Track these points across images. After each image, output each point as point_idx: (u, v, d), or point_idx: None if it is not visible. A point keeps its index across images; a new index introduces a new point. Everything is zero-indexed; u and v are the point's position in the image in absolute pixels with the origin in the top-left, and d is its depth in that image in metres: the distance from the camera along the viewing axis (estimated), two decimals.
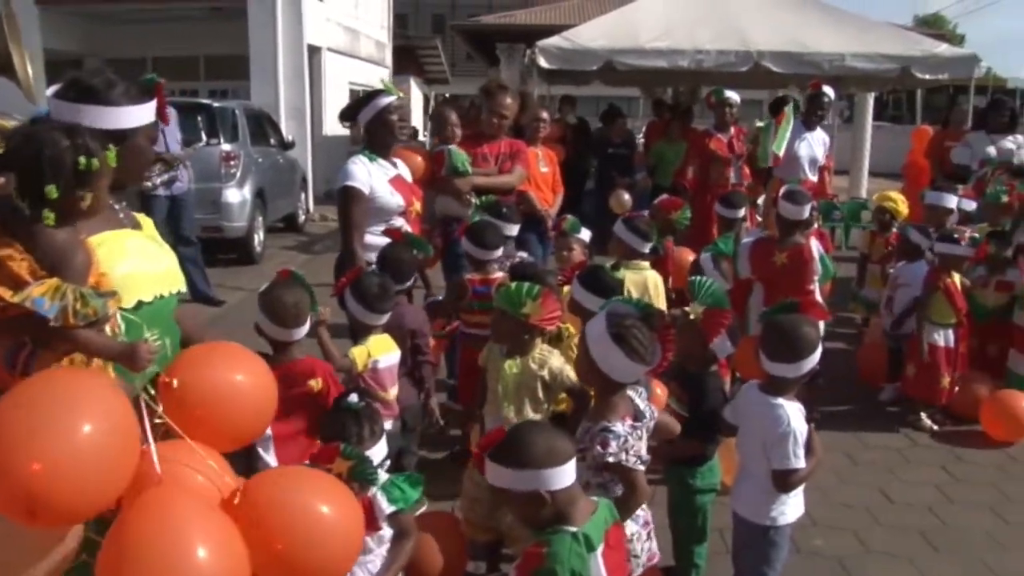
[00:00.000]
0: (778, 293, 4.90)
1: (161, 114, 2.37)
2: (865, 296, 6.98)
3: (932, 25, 32.60)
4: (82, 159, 2.00)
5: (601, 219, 7.97)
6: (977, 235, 5.56)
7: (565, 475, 2.05)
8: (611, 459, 2.56)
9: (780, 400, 2.91)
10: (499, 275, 4.32)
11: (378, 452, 2.77)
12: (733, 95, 7.46)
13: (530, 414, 3.24)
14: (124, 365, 2.06)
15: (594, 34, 10.03)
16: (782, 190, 5.19)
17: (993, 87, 25.25)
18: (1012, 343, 5.52)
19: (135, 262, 2.22)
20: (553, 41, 9.87)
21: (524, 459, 2.03)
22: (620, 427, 2.61)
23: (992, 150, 7.82)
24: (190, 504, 1.77)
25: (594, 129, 12.88)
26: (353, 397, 2.82)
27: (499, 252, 4.38)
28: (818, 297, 5.00)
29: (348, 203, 4.23)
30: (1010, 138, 7.99)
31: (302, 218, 13.43)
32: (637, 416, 2.71)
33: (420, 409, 3.93)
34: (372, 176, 4.29)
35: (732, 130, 7.31)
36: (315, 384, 3.12)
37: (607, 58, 9.74)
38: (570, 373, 3.22)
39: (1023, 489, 4.60)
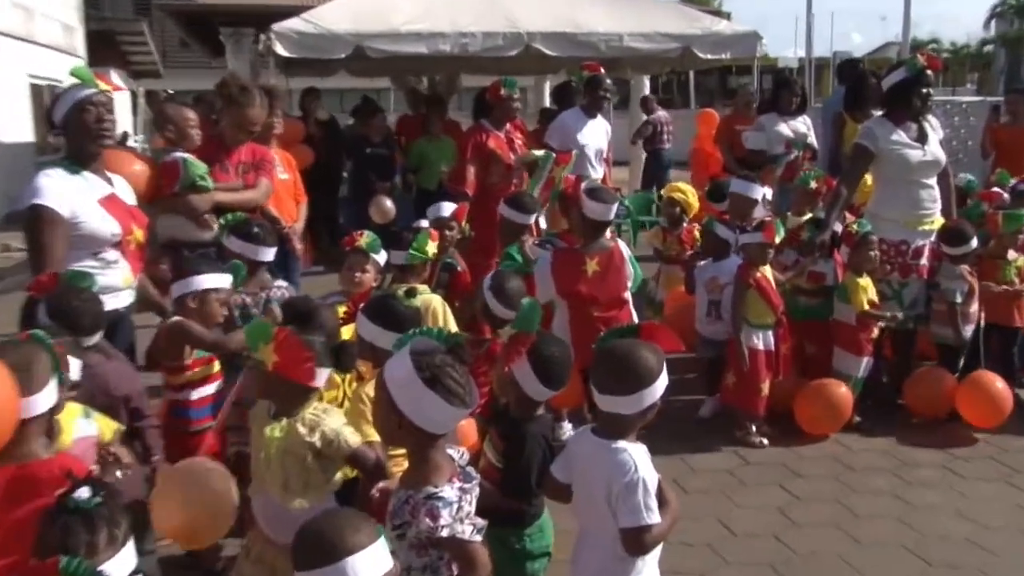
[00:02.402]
0: (592, 307, 4.88)
1: None
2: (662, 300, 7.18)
3: (699, 1, 34.95)
4: None
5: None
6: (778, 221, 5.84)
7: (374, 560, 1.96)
8: (444, 532, 2.32)
9: (621, 443, 2.76)
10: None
11: (120, 567, 2.34)
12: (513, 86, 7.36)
13: (301, 493, 2.96)
14: None
15: (340, 16, 9.76)
16: (583, 187, 5.18)
17: (762, 67, 27.42)
18: (836, 341, 5.82)
19: None
20: (292, 25, 9.48)
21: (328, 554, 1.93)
22: (449, 491, 2.37)
23: (788, 132, 8.29)
24: None
25: (344, 127, 12.62)
26: (83, 492, 2.37)
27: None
28: (635, 316, 5.04)
29: (38, 227, 3.77)
30: (801, 119, 8.52)
31: None
32: (465, 476, 2.48)
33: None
34: (73, 194, 3.82)
35: (508, 125, 7.23)
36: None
37: (357, 44, 9.52)
38: (349, 437, 2.99)
39: (866, 502, 4.83)
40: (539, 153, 7.09)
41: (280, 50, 9.34)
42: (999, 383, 5.63)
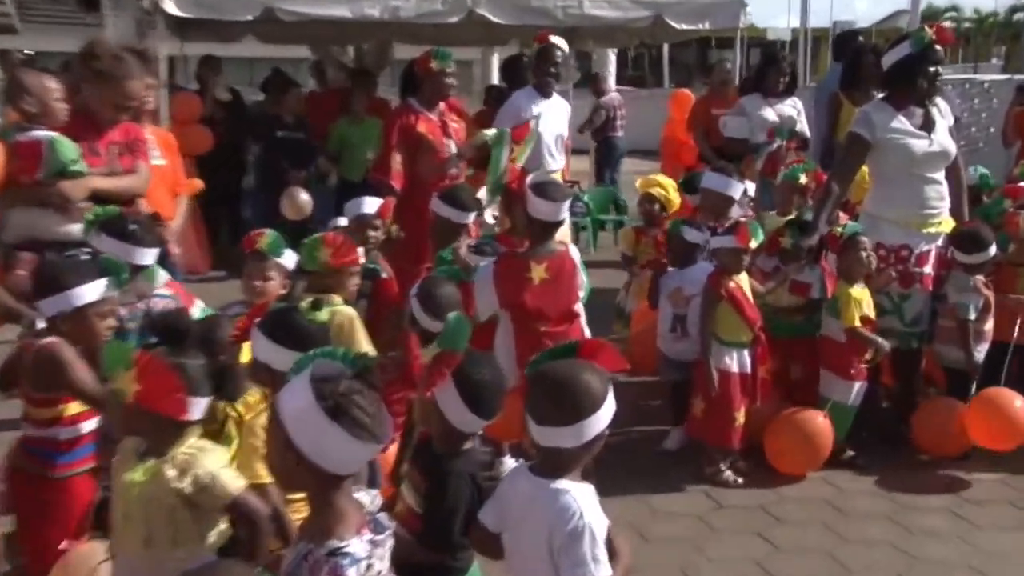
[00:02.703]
0: (540, 320, 4.89)
1: None
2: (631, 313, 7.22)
3: None
4: None
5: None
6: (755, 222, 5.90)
7: None
8: None
9: (563, 483, 2.76)
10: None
11: None
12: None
13: (167, 550, 2.94)
14: None
15: None
16: (529, 182, 5.20)
17: (749, 39, 27.74)
18: (823, 361, 5.88)
19: None
20: None
21: None
22: (357, 545, 2.36)
23: (773, 116, 8.37)
24: None
25: (251, 103, 12.53)
26: None
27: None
28: (586, 331, 5.06)
29: None
30: (789, 102, 8.61)
31: None
32: (376, 526, 2.46)
33: None
34: None
35: (442, 106, 7.17)
36: None
37: (266, 4, 9.46)
38: (229, 481, 2.96)
39: (860, 555, 4.87)
40: (490, 133, 7.02)
41: (171, 8, 9.22)
42: (1018, 401, 5.69)
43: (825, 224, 5.94)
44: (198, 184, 7.90)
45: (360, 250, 5.17)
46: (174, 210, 5.84)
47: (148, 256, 4.46)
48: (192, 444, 3.01)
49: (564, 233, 8.08)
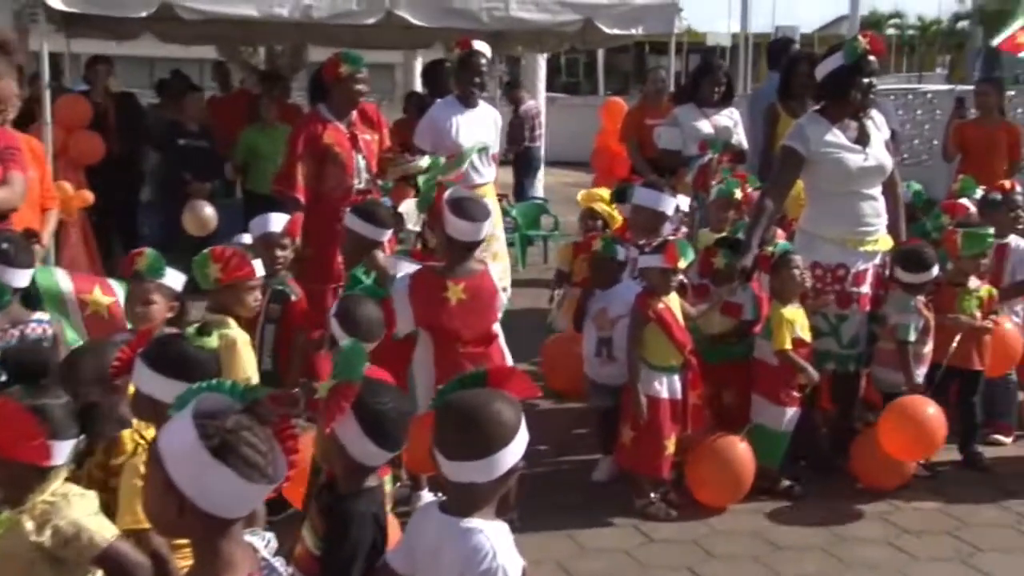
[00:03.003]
0: (455, 342, 4.91)
1: None
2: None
3: None
4: None
5: (170, 247, 7.47)
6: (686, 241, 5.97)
7: None
8: None
9: (475, 522, 2.76)
10: None
11: None
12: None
13: None
14: None
15: None
16: (446, 198, 5.19)
17: (689, 45, 28.07)
18: (754, 386, 5.93)
19: None
20: None
21: None
22: None
23: (708, 128, 8.44)
24: None
25: (148, 107, 12.39)
26: None
27: None
28: (506, 352, 5.07)
29: None
30: (725, 112, 8.68)
31: None
32: (269, 572, 2.43)
33: None
34: None
35: (354, 115, 7.02)
36: None
37: (165, 1, 9.13)
38: (96, 532, 2.91)
39: None
40: (424, 163, 6.94)
41: (56, 2, 8.85)
42: (931, 408, 5.78)
43: (759, 242, 5.97)
44: (87, 196, 7.76)
45: (257, 262, 5.11)
46: (42, 227, 5.66)
47: (21, 278, 4.39)
48: (55, 491, 2.94)
49: (503, 252, 8.12)
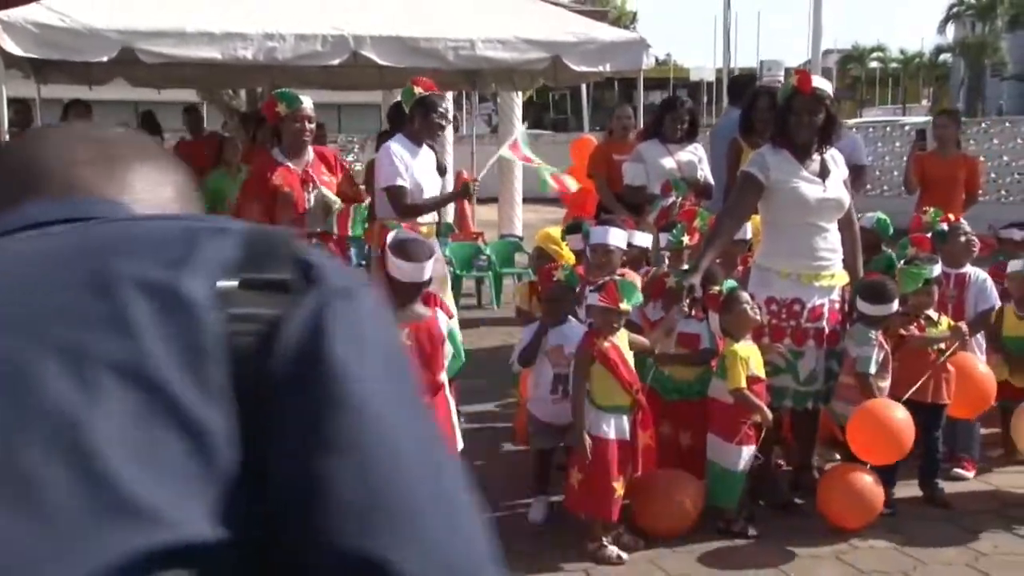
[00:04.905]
0: None
1: None
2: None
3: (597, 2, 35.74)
4: None
5: None
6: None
7: None
8: None
9: None
10: None
11: None
12: (307, 103, 7.11)
13: None
14: None
15: (102, 5, 9.43)
16: (389, 241, 5.15)
17: (675, 80, 28.16)
18: (709, 424, 5.85)
19: None
20: (28, 14, 8.84)
21: None
22: None
23: (671, 163, 8.40)
24: None
25: None
26: None
27: None
28: (448, 394, 5.02)
29: None
30: (690, 148, 8.65)
31: None
32: None
33: None
34: None
35: (311, 153, 6.94)
36: None
37: (124, 44, 9.13)
38: None
39: None
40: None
41: (11, 47, 8.76)
42: (900, 411, 5.75)
43: (708, 263, 5.94)
44: None
45: None
46: None
47: None
48: None
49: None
